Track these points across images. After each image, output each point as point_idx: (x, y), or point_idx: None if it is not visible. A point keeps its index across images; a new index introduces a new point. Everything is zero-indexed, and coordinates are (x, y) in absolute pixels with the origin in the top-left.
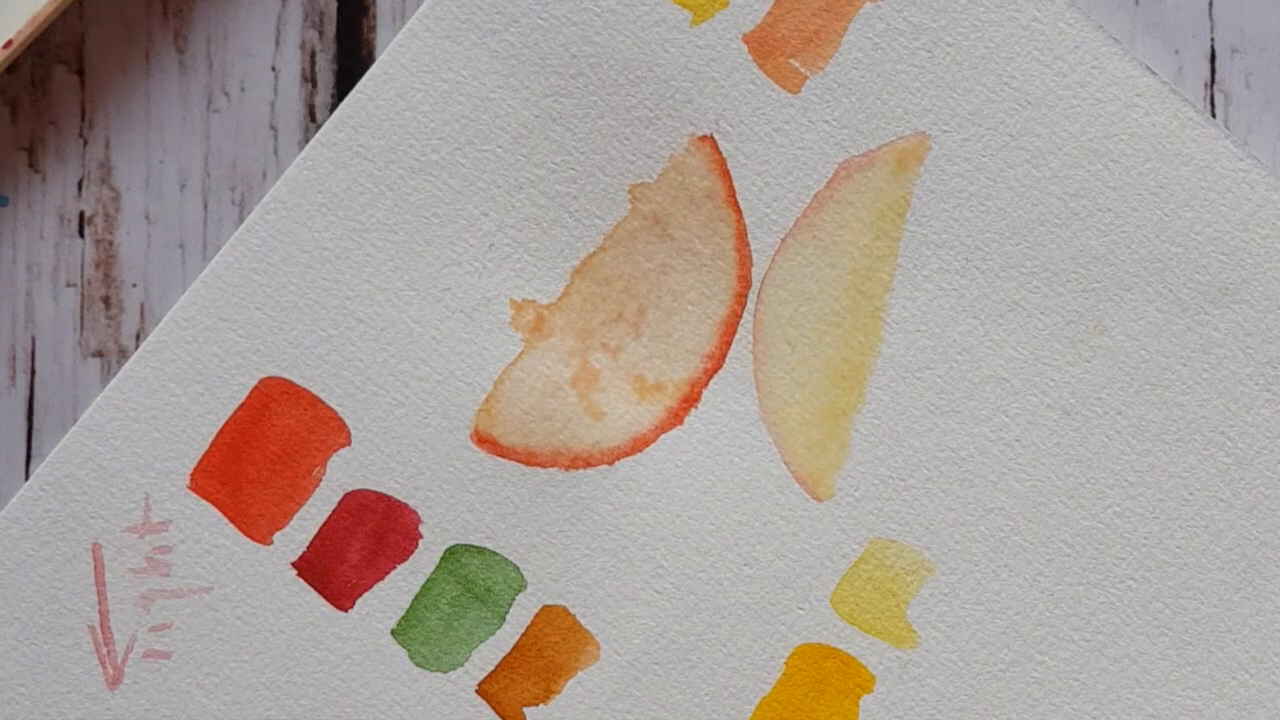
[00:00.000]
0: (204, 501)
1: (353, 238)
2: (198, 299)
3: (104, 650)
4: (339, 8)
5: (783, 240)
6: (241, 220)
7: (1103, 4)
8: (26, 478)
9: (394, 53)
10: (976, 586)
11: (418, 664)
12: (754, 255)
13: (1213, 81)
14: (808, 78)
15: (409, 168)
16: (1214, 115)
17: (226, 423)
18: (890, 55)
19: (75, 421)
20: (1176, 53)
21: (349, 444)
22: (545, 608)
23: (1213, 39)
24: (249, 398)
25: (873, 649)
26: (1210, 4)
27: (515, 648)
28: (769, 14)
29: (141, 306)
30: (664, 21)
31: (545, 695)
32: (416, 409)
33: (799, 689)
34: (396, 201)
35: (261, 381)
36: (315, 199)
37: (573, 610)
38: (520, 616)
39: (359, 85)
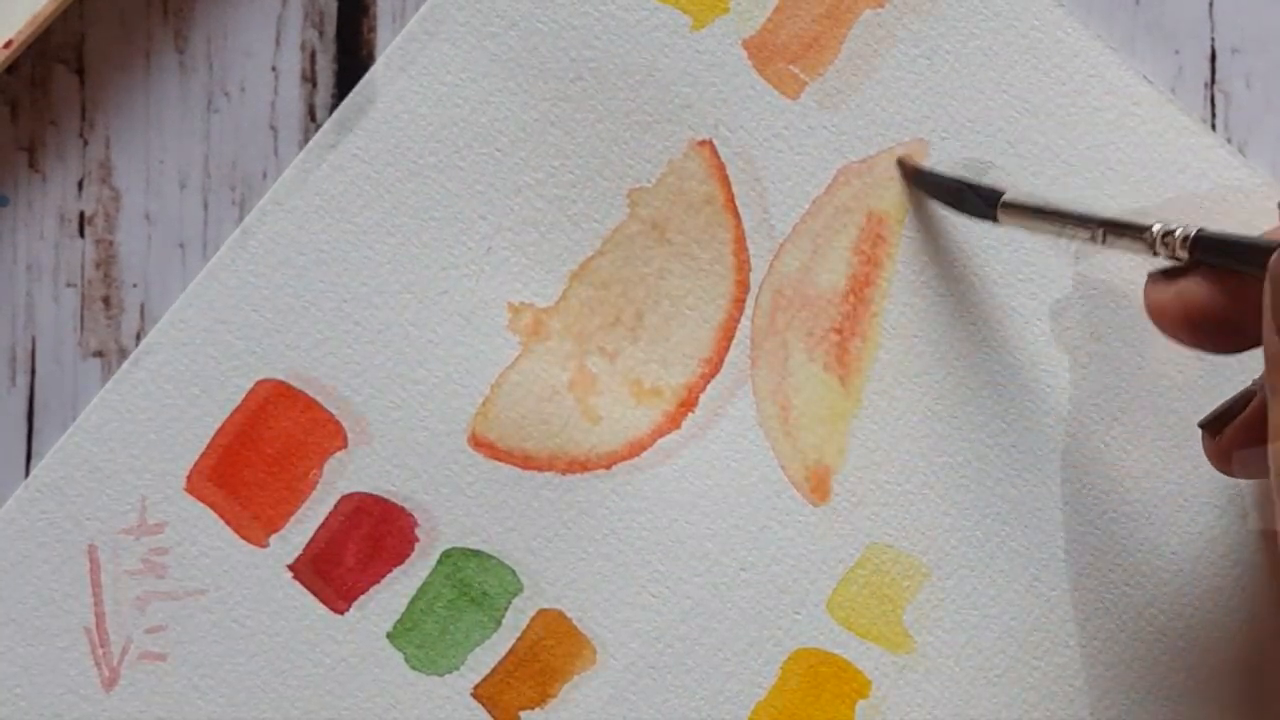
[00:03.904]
0: (200, 504)
1: (350, 240)
2: (195, 301)
3: (99, 652)
4: (339, 8)
5: (780, 245)
6: (241, 220)
7: (1103, 4)
8: (27, 477)
9: (393, 55)
10: (973, 592)
11: (414, 667)
12: (752, 260)
13: (1213, 81)
14: (807, 84)
15: (407, 170)
16: (1214, 115)
17: (223, 425)
18: (889, 62)
19: (75, 421)
20: (1177, 53)
21: (346, 447)
22: (542, 611)
23: (1213, 39)
24: (246, 400)
25: (869, 654)
26: (1210, 4)
27: (512, 651)
28: (769, 20)
29: (141, 306)
30: (664, 26)
31: (542, 699)
32: (414, 412)
33: (795, 694)
34: (394, 204)
35: (258, 384)
36: (313, 201)
37: (569, 614)
38: (517, 620)
39: (357, 87)
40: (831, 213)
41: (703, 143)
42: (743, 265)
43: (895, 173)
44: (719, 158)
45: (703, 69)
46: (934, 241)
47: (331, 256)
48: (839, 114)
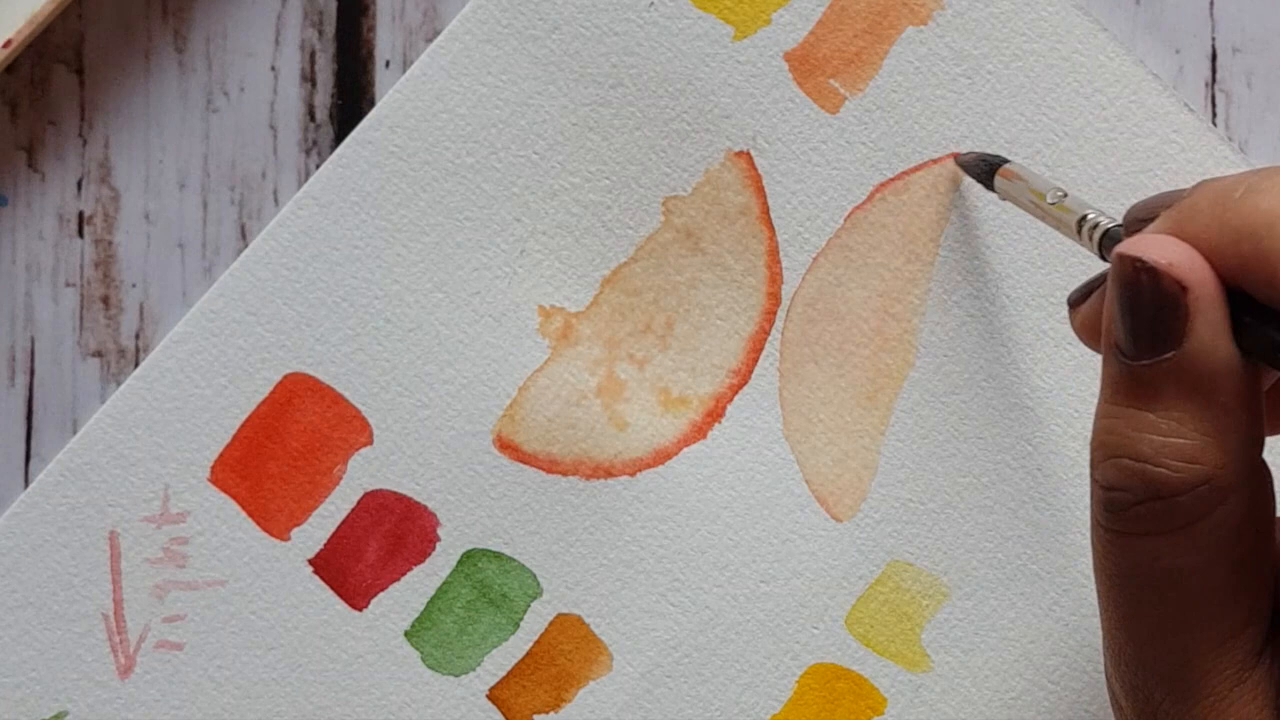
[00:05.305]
0: (224, 495)
1: (384, 238)
2: (226, 292)
3: (116, 639)
4: (339, 8)
5: (814, 259)
6: (241, 220)
7: (1104, 4)
8: (26, 477)
9: (433, 54)
10: (991, 613)
11: (430, 666)
12: (785, 273)
13: (1214, 81)
14: (847, 98)
15: (443, 170)
16: (1215, 115)
17: (249, 417)
18: (930, 80)
19: (74, 421)
20: (1177, 52)
21: (371, 443)
22: (559, 616)
23: (1214, 38)
24: (273, 393)
25: (885, 671)
26: (1211, 3)
27: (528, 655)
28: (811, 33)
29: (141, 306)
30: (706, 36)
31: (556, 704)
32: (440, 411)
33: (811, 708)
34: (429, 203)
35: (286, 377)
36: (348, 197)
37: (587, 619)
38: (534, 623)
39: (397, 85)
40: (866, 228)
41: (740, 153)
42: (775, 277)
43: (931, 189)
44: (755, 169)
45: (743, 80)
46: (968, 261)
47: (364, 253)
48: (878, 130)
